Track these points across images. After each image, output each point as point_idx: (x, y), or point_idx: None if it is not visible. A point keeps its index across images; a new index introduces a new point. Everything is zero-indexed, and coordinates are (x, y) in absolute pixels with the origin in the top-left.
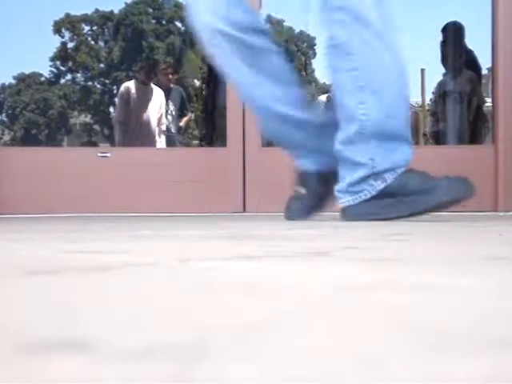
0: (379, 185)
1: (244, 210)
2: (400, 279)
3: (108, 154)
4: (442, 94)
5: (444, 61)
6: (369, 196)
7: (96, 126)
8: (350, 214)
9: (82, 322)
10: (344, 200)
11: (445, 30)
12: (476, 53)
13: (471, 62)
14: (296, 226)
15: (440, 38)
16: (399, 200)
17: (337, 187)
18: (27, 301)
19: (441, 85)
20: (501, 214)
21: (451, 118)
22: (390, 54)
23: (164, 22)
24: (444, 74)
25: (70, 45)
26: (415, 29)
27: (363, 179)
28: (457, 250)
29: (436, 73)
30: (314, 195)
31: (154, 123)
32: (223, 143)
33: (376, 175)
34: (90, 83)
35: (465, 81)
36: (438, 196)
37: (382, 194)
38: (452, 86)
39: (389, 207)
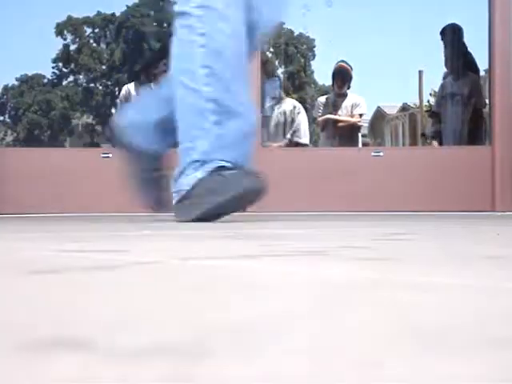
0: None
1: (244, 210)
2: (398, 278)
3: (110, 155)
4: (445, 95)
5: (447, 63)
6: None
7: (98, 127)
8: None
9: (82, 322)
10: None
11: (443, 32)
12: (473, 55)
13: (470, 64)
14: (296, 225)
15: (439, 40)
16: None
17: None
18: (28, 300)
19: (444, 86)
20: (498, 213)
21: (455, 120)
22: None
23: (165, 25)
24: (444, 76)
25: (73, 47)
26: (413, 31)
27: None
28: (455, 249)
29: (433, 74)
30: None
31: None
32: None
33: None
34: (92, 85)
35: (468, 82)
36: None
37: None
38: (455, 88)
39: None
